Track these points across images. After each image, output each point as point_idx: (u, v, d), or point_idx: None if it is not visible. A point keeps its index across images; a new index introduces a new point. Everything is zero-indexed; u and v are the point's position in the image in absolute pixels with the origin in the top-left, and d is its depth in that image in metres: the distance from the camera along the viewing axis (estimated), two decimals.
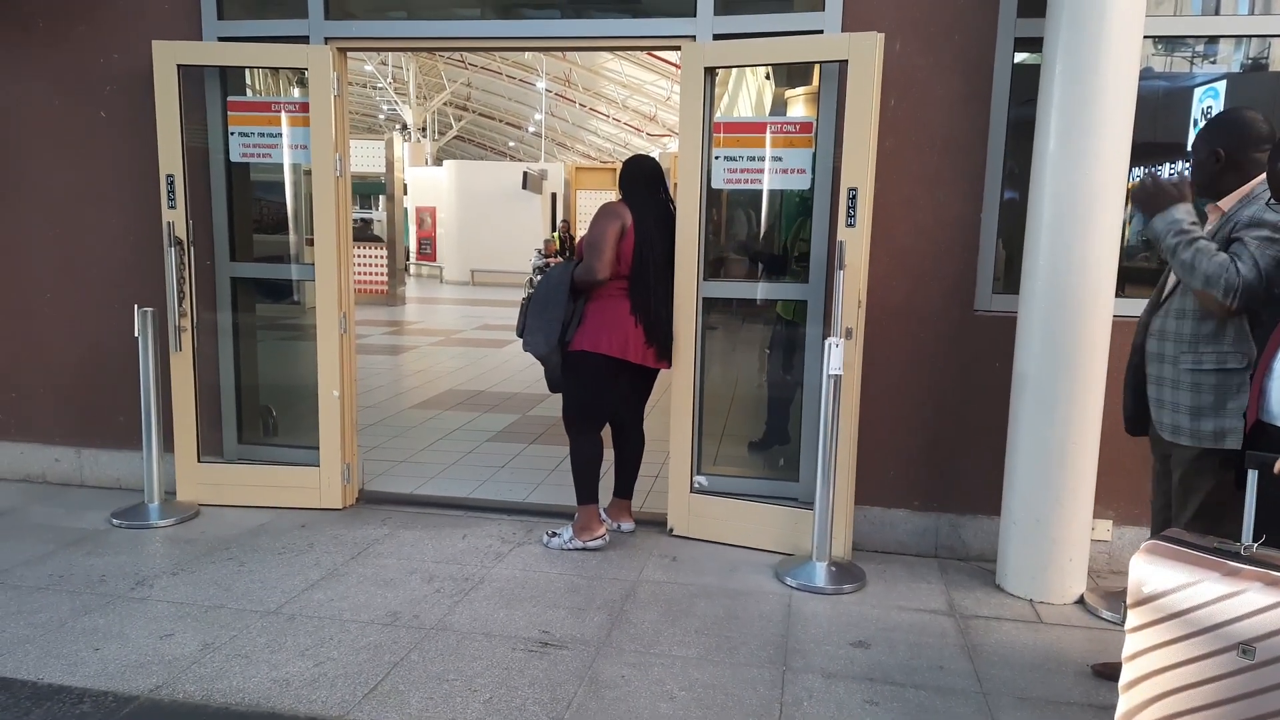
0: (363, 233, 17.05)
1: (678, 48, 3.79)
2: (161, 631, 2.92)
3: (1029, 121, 3.36)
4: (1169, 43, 3.81)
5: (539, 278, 3.90)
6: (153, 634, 2.90)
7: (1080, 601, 3.32)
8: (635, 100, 31.26)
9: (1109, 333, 3.26)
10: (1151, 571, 1.69)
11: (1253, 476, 1.84)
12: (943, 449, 3.74)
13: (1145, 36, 3.43)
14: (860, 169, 3.42)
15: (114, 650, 2.79)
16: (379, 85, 29.29)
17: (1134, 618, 1.71)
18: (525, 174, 22.14)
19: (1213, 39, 3.78)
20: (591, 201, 22.17)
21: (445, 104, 32.12)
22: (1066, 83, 3.15)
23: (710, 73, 3.71)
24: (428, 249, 24.23)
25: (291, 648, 2.83)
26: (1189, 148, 2.23)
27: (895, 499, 3.79)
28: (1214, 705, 1.61)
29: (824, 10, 3.63)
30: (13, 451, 4.55)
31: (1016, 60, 3.58)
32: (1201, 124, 2.33)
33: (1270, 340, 2.07)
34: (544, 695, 2.57)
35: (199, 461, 4.19)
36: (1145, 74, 3.77)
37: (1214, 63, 3.86)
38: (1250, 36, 3.72)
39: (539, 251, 15.29)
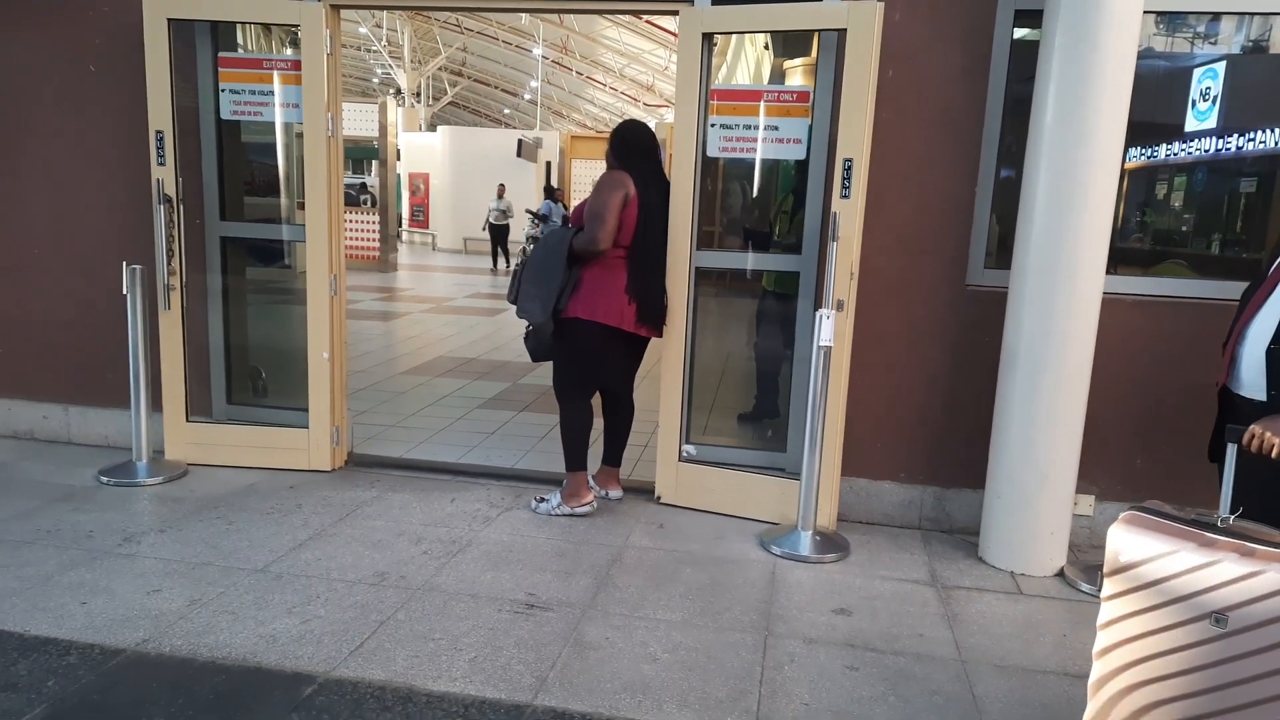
0: (358, 199, 16.94)
1: (675, 13, 3.75)
2: (149, 587, 2.93)
3: (1027, 97, 3.34)
4: (1169, 22, 3.78)
5: (531, 246, 3.88)
6: (140, 589, 2.91)
7: (1060, 574, 3.37)
8: (633, 69, 30.93)
9: (1098, 310, 3.27)
10: (1129, 540, 1.71)
11: (1231, 450, 1.86)
12: (931, 422, 3.76)
13: (1146, 12, 3.41)
14: (856, 140, 3.41)
15: (101, 604, 2.80)
16: (373, 48, 28.88)
17: (1109, 586, 1.74)
18: (520, 142, 21.97)
19: (1215, 16, 3.75)
20: (587, 171, 22.03)
21: (440, 69, 31.73)
22: (1065, 57, 3.13)
23: (708, 39, 3.67)
24: (420, 216, 24.08)
25: (278, 605, 2.85)
26: None
27: (882, 471, 3.82)
28: (1185, 672, 1.64)
29: None
30: (1, 408, 4.53)
31: (1017, 35, 3.56)
32: None
33: (1246, 307, 2.09)
34: (529, 655, 2.60)
35: (187, 421, 4.19)
36: (1144, 53, 3.74)
37: (1214, 43, 3.84)
38: (1252, 14, 3.70)
39: (532, 219, 15.19)
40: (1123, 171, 3.79)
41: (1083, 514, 3.64)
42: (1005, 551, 3.42)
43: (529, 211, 15.85)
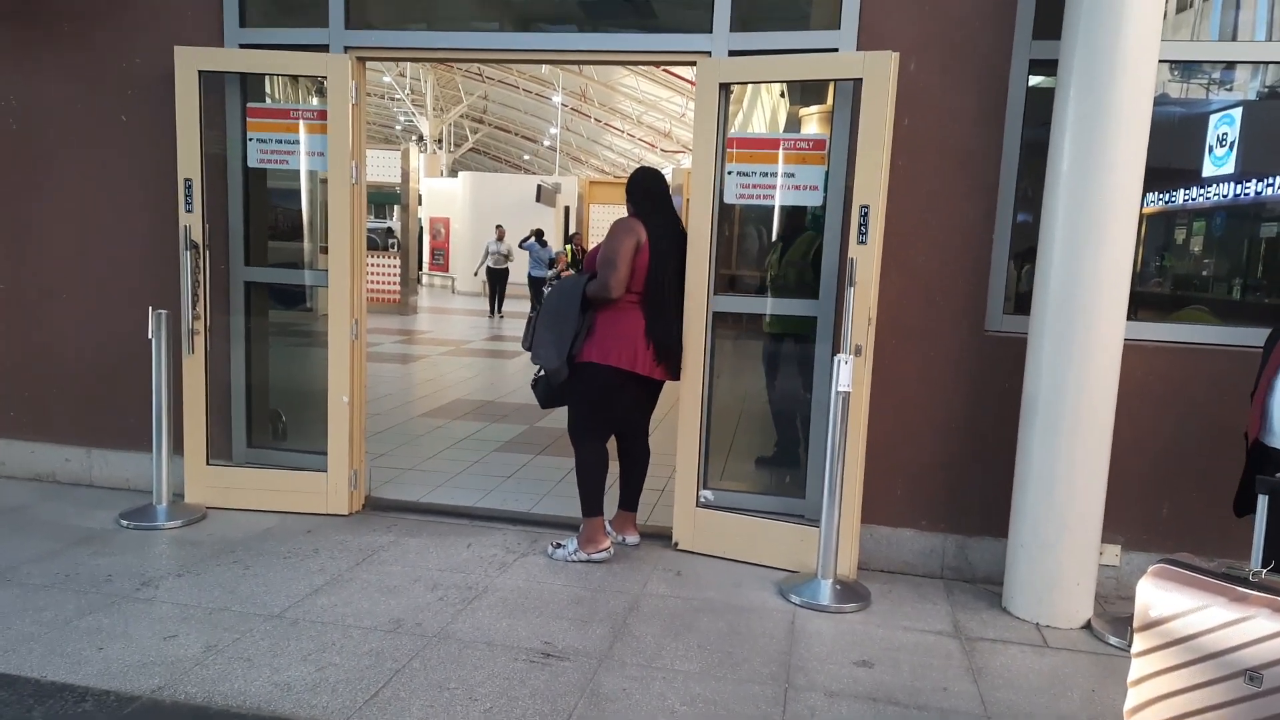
0: (382, 244, 17.08)
1: (693, 63, 3.81)
2: (165, 632, 2.93)
3: (1043, 143, 3.36)
4: (1185, 69, 3.81)
5: (548, 290, 3.91)
6: (156, 635, 2.91)
7: (1087, 626, 3.29)
8: (650, 116, 31.42)
9: (1119, 356, 3.24)
10: (1159, 595, 1.67)
11: (1262, 502, 1.82)
12: (951, 469, 3.72)
13: (1160, 61, 3.44)
14: (873, 187, 3.43)
15: (117, 650, 2.79)
16: (396, 96, 29.53)
17: (1140, 641, 1.70)
18: (539, 187, 22.27)
19: (1230, 65, 3.78)
20: (604, 215, 22.25)
21: (462, 116, 32.37)
22: (1080, 103, 3.15)
23: (725, 88, 3.73)
24: (440, 259, 24.36)
25: (294, 652, 2.83)
26: None
27: (902, 518, 3.77)
28: None
29: (839, 29, 3.65)
30: (24, 450, 4.58)
31: (1031, 83, 3.59)
32: None
33: (1271, 355, 2.07)
34: (544, 706, 2.56)
35: (208, 464, 4.21)
36: (1160, 100, 3.77)
37: (1230, 89, 3.86)
38: (1267, 63, 3.72)
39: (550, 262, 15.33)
40: (1141, 216, 3.79)
41: (1109, 564, 3.57)
42: (1030, 602, 3.35)
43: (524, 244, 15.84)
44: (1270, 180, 3.67)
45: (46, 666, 2.67)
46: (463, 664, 2.79)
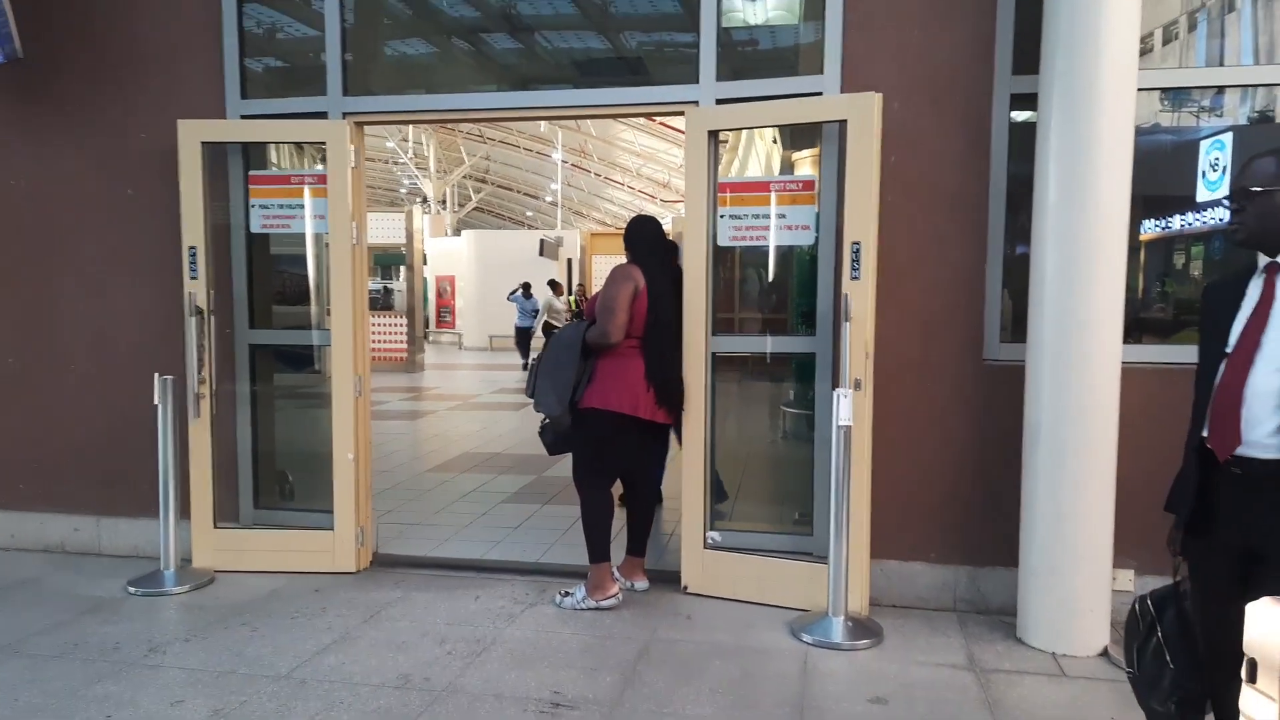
0: (382, 301, 17.19)
1: (682, 113, 3.90)
2: (172, 698, 2.91)
3: (1030, 175, 3.40)
4: (1175, 97, 3.87)
5: (547, 338, 3.95)
6: (163, 701, 2.89)
7: (1104, 653, 3.24)
8: (649, 168, 31.86)
9: (1118, 381, 3.25)
10: None
11: None
12: (959, 500, 3.70)
13: (1147, 89, 3.51)
14: (863, 224, 3.48)
15: (125, 717, 2.78)
16: (400, 160, 30.08)
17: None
18: (542, 241, 22.50)
19: (1219, 90, 3.84)
20: (606, 265, 22.41)
21: (464, 177, 32.88)
22: (1063, 134, 3.21)
23: (714, 135, 3.81)
24: (447, 317, 24.56)
25: (301, 712, 2.80)
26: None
27: (912, 552, 3.74)
28: None
29: (823, 73, 3.73)
30: (34, 521, 4.60)
31: (1016, 117, 3.65)
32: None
33: (1229, 369, 1.97)
34: None
35: (215, 527, 4.22)
36: (1151, 129, 3.84)
37: (1220, 115, 3.93)
38: (1253, 86, 3.78)
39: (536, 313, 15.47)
40: (1139, 243, 3.83)
41: (1123, 589, 3.52)
42: (1044, 632, 3.30)
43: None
44: None
45: None
46: (472, 717, 2.77)
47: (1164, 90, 3.78)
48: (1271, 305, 1.96)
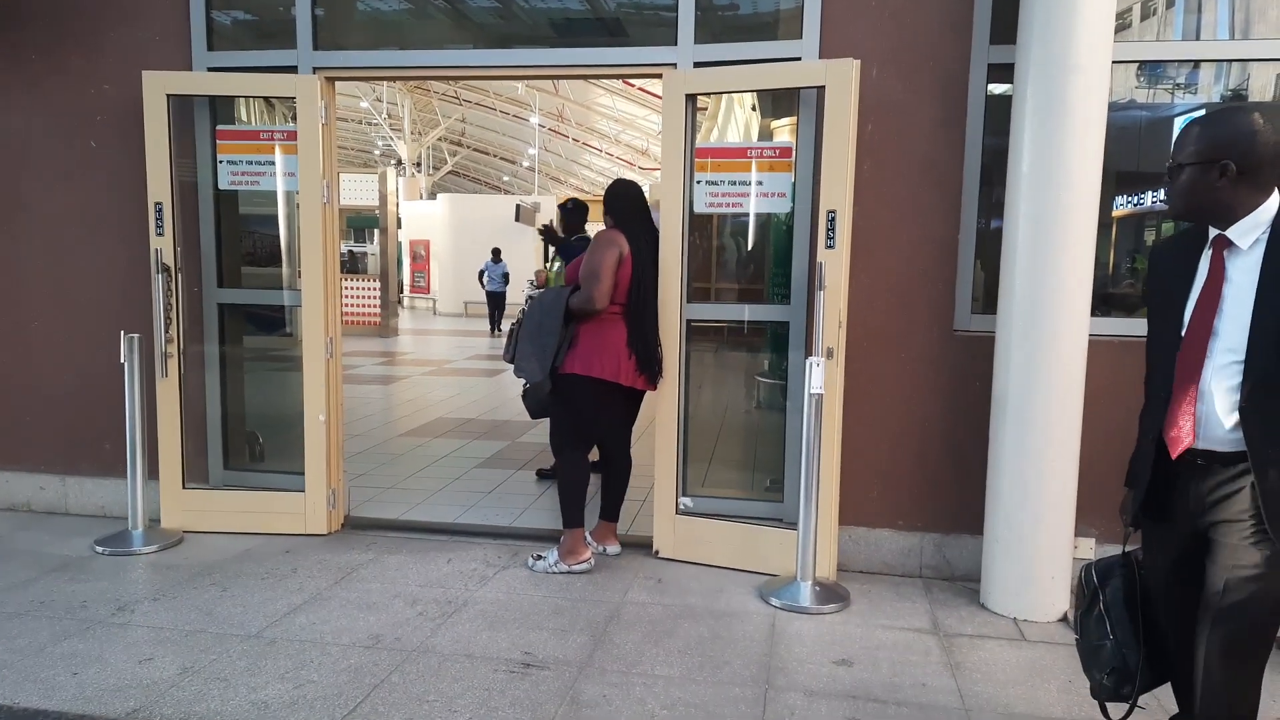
0: (352, 265, 17.07)
1: (659, 75, 3.86)
2: (140, 656, 2.90)
3: (1005, 145, 3.42)
4: (1151, 72, 3.88)
5: (527, 304, 3.92)
6: (132, 658, 2.88)
7: (1064, 619, 3.32)
8: (628, 135, 31.58)
9: (1084, 353, 3.29)
10: None
11: None
12: (926, 469, 3.75)
13: (1122, 61, 3.52)
14: (839, 192, 3.48)
15: (92, 674, 2.77)
16: (374, 121, 29.56)
17: None
18: (518, 207, 22.31)
19: (1195, 65, 3.86)
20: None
21: (440, 139, 32.42)
22: (1037, 105, 3.22)
23: (691, 99, 3.77)
24: (421, 281, 24.33)
25: (271, 671, 2.81)
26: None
27: (879, 519, 3.80)
28: None
29: (802, 39, 3.71)
30: None
31: (993, 90, 3.65)
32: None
33: (1183, 359, 1.88)
34: (525, 715, 2.56)
35: (184, 488, 4.18)
36: (1127, 105, 3.85)
37: (1195, 92, 3.95)
38: (1229, 61, 3.80)
39: (530, 283, 15.37)
40: (1111, 219, 3.86)
41: (1083, 557, 3.59)
42: (1007, 597, 3.38)
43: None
44: None
45: (19, 693, 2.64)
46: (442, 676, 2.79)
47: (1140, 64, 3.79)
48: (1222, 285, 1.86)
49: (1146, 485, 2.00)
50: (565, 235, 5.32)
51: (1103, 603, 2.10)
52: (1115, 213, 3.91)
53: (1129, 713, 2.04)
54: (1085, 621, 2.16)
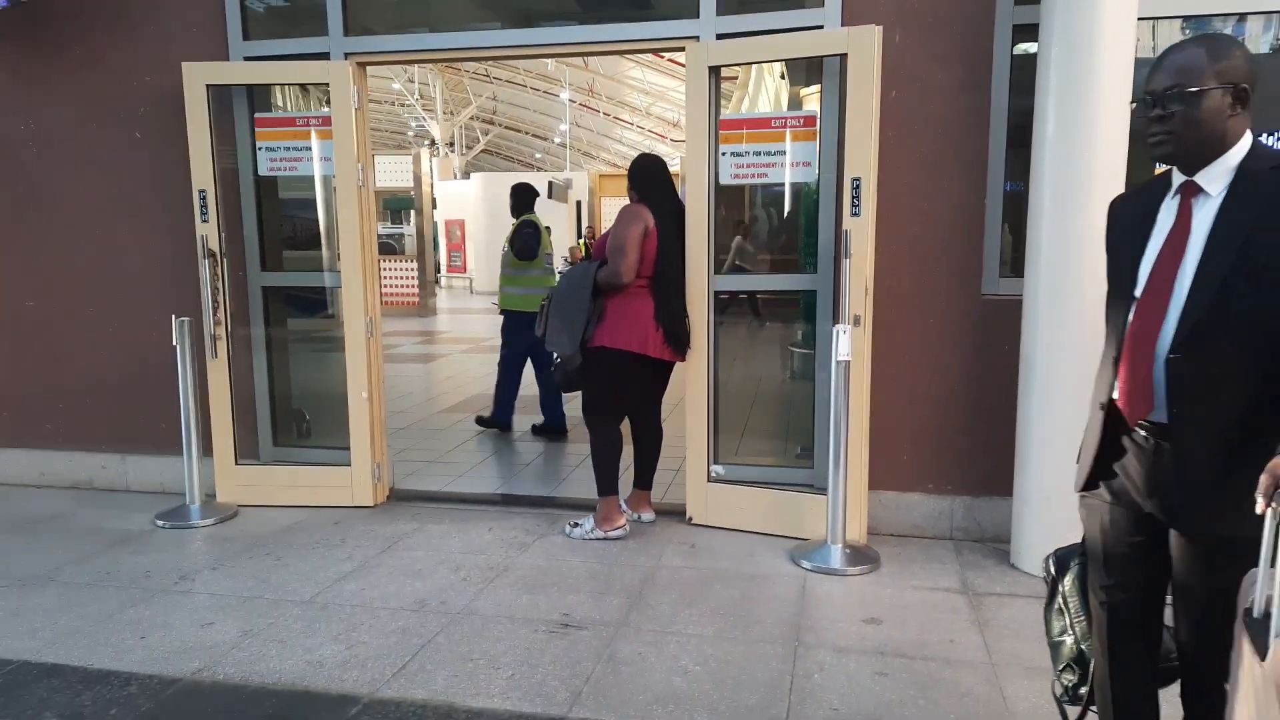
0: (395, 248, 17.33)
1: (683, 48, 3.89)
2: (202, 621, 3.08)
3: (1030, 108, 3.40)
4: (1196, 26, 3.80)
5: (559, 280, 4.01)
6: (194, 623, 3.06)
7: None
8: (659, 107, 31.41)
9: None
10: None
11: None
12: (955, 431, 3.79)
13: (1141, 19, 3.47)
14: (863, 159, 3.50)
15: (158, 638, 2.95)
16: (407, 103, 29.77)
17: None
18: (550, 183, 22.36)
19: (1241, 18, 3.78)
20: (615, 207, 22.34)
21: (472, 118, 32.53)
22: (1062, 67, 3.20)
23: (714, 71, 3.81)
24: (458, 261, 24.57)
25: (325, 633, 2.96)
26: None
27: (909, 482, 3.85)
28: None
29: (824, 6, 3.72)
30: (62, 459, 4.77)
31: (1016, 50, 3.63)
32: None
33: (1138, 318, 1.68)
34: (564, 671, 2.68)
35: (236, 464, 4.37)
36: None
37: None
38: (1269, 12, 3.71)
39: (564, 259, 15.49)
40: (1138, 184, 3.81)
41: None
42: (1036, 557, 3.39)
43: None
44: (1277, 134, 3.69)
45: (92, 656, 2.83)
46: (485, 637, 2.92)
47: (1183, 19, 3.72)
48: (1188, 237, 1.63)
49: (1094, 457, 1.80)
50: (514, 216, 6.01)
51: (1062, 593, 1.95)
52: (1147, 174, 3.87)
53: (1082, 715, 1.91)
54: (1047, 614, 2.01)
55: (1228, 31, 3.89)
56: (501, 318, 6.11)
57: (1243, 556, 1.51)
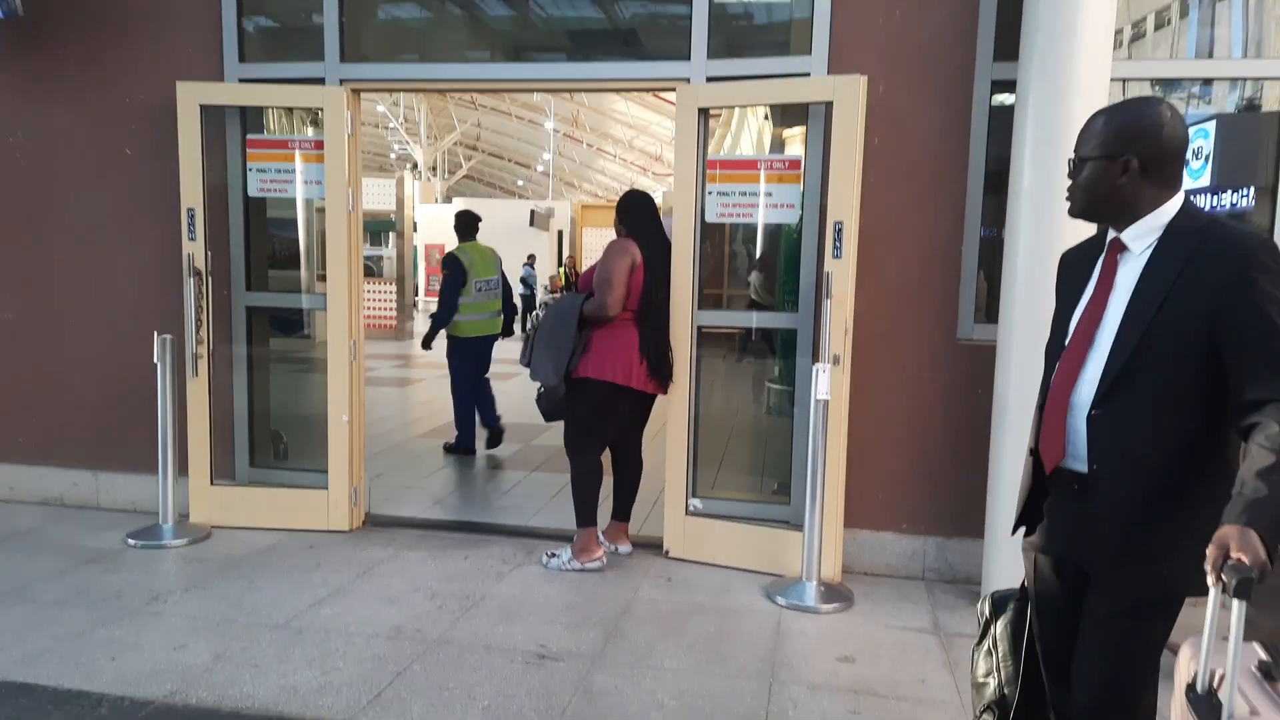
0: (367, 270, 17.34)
1: (673, 89, 3.99)
2: (175, 643, 3.05)
3: (1007, 158, 3.52)
4: (1162, 87, 3.97)
5: (542, 310, 4.07)
6: (167, 645, 3.03)
7: None
8: (641, 140, 31.77)
9: None
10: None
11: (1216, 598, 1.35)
12: (929, 473, 3.86)
13: (1120, 80, 3.62)
14: (846, 204, 3.60)
15: (130, 660, 2.91)
16: (391, 125, 29.85)
17: None
18: (533, 212, 22.51)
19: (1207, 82, 3.96)
20: (596, 238, 22.49)
21: (455, 144, 32.67)
22: (1038, 120, 3.32)
23: (704, 113, 3.90)
24: (436, 285, 24.56)
25: (299, 658, 2.95)
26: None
27: (883, 522, 3.91)
28: None
29: (811, 54, 3.83)
30: (32, 474, 4.70)
31: (995, 102, 3.77)
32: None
33: (1061, 369, 1.74)
34: (540, 703, 2.68)
35: (212, 484, 4.33)
36: None
37: (1209, 103, 4.04)
38: (1235, 79, 3.89)
39: (545, 288, 15.55)
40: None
41: None
42: None
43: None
44: (1244, 191, 3.84)
45: (62, 675, 2.79)
46: (461, 666, 2.92)
47: (1152, 81, 3.89)
48: (1109, 294, 1.68)
49: (1023, 502, 1.84)
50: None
51: (993, 635, 1.95)
52: None
53: None
54: (975, 654, 2.01)
55: (1194, 93, 4.07)
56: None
57: (1156, 618, 1.61)
